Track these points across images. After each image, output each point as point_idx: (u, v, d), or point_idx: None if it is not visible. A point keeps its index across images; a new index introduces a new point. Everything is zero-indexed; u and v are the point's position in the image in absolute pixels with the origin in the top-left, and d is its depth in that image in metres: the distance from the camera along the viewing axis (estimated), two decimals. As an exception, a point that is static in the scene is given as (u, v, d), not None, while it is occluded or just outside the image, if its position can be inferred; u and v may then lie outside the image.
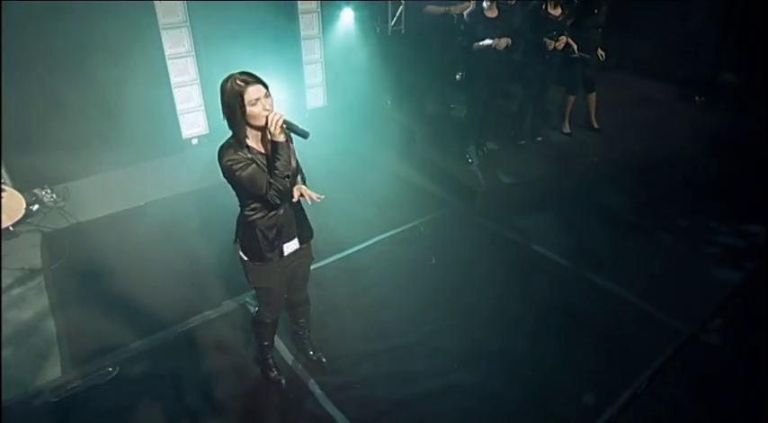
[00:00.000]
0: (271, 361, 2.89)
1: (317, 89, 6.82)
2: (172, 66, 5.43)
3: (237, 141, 2.15)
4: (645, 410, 2.77)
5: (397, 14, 6.65)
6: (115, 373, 2.96)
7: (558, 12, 4.81)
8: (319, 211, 4.39)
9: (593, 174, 5.08)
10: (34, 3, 4.23)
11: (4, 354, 3.07)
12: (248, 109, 2.06)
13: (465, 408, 2.72)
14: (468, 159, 5.04)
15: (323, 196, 2.36)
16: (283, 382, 2.86)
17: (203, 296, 3.53)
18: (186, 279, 3.69)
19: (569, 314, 3.40)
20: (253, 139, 2.18)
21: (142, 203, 4.75)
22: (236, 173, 2.11)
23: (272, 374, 2.87)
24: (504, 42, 4.41)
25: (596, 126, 5.74)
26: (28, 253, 4.09)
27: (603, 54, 5.36)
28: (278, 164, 2.12)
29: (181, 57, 5.46)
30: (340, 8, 6.34)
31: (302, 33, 6.31)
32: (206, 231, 4.24)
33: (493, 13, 4.47)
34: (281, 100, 6.25)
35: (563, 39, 4.77)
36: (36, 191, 4.83)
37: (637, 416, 2.74)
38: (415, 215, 4.56)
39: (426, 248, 4.10)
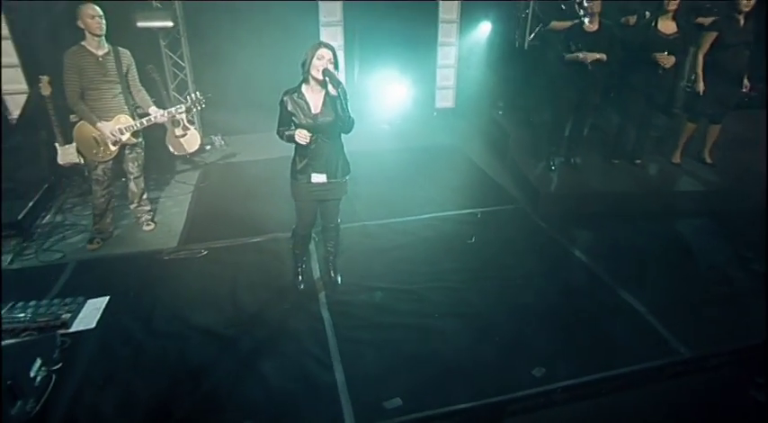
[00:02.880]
0: (299, 270, 3.76)
1: (447, 91, 7.55)
2: (325, 56, 6.74)
3: (297, 86, 3.08)
4: (592, 399, 2.88)
5: (537, 30, 7.00)
6: (204, 254, 4.19)
7: (670, 29, 4.60)
8: (396, 185, 5.24)
9: (676, 205, 4.78)
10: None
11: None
12: (314, 61, 2.96)
13: (421, 344, 3.17)
14: (551, 166, 5.22)
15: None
16: (302, 286, 3.71)
17: (282, 223, 4.57)
18: (277, 210, 4.78)
19: (569, 308, 3.53)
20: (309, 90, 3.07)
21: (276, 156, 6.09)
22: (279, 105, 3.06)
23: (298, 280, 3.74)
24: (592, 57, 4.54)
25: (708, 161, 5.28)
26: (191, 173, 5.75)
27: (748, 85, 4.93)
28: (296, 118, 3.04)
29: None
30: (479, 20, 6.97)
31: (440, 40, 7.11)
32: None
33: (593, 28, 4.59)
34: (411, 97, 7.12)
35: (671, 58, 4.55)
36: (212, 136, 6.60)
37: (582, 400, 2.88)
38: (479, 204, 4.97)
39: (473, 231, 4.50)
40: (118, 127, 4.00)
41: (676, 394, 3.00)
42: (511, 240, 4.41)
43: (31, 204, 4.67)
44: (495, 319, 3.43)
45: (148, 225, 4.55)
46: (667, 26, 4.63)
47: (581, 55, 4.55)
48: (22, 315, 3.25)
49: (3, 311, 3.30)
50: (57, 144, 4.83)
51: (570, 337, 3.28)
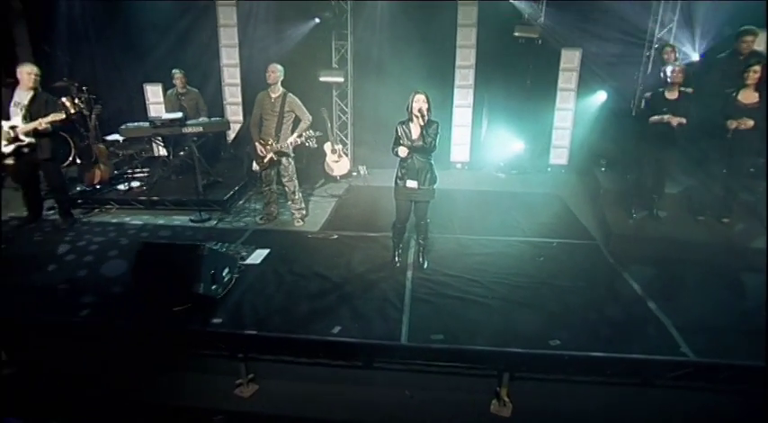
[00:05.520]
0: (396, 254, 5.10)
1: (561, 150, 8.44)
2: (456, 112, 8.28)
3: (407, 120, 4.56)
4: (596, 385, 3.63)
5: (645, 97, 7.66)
6: (335, 237, 5.79)
7: (751, 99, 5.00)
8: (494, 215, 6.33)
9: (750, 260, 5.01)
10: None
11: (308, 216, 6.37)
12: (412, 103, 4.46)
13: (470, 310, 4.23)
14: (632, 214, 5.84)
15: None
16: (398, 264, 5.04)
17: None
18: (391, 218, 6.18)
19: (602, 311, 4.24)
20: (412, 124, 4.52)
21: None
22: (394, 131, 4.55)
23: (395, 260, 5.08)
24: (676, 120, 5.22)
25: None
26: (337, 190, 7.58)
27: None
28: (401, 140, 4.50)
29: (463, 107, 8.26)
30: (594, 89, 7.90)
31: (557, 105, 8.15)
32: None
33: (673, 96, 5.32)
34: (528, 152, 8.26)
35: (749, 123, 4.93)
36: (359, 166, 8.44)
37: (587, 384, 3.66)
38: (558, 236, 5.81)
39: (544, 254, 5.38)
40: (267, 147, 5.75)
41: (675, 400, 3.56)
42: (576, 265, 5.16)
43: (231, 193, 6.87)
44: (536, 308, 4.31)
45: (299, 222, 6.20)
46: (748, 96, 5.08)
47: (666, 117, 5.27)
48: (218, 248, 5.15)
49: (209, 245, 5.22)
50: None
51: (592, 327, 4.02)
